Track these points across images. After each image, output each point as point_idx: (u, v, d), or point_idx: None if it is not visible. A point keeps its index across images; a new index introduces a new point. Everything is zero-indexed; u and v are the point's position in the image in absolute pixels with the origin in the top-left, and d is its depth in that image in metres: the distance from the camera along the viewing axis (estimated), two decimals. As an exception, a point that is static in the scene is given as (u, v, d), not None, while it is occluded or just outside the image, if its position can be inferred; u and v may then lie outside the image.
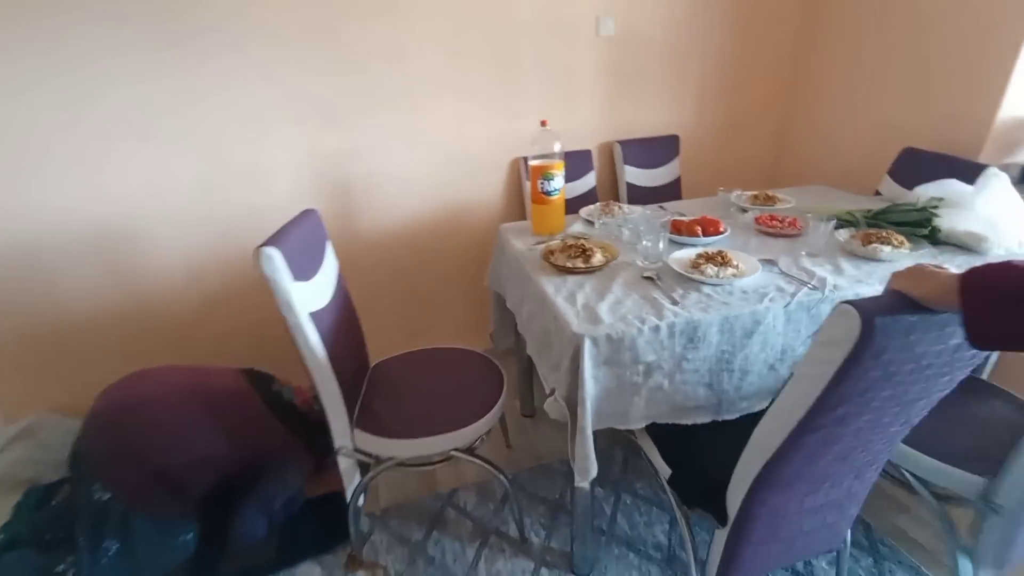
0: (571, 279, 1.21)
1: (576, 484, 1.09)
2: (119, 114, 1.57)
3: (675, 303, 1.06)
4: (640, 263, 1.25)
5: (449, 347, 1.53)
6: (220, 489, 1.38)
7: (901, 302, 0.66)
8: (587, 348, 0.97)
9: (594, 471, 1.04)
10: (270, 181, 1.79)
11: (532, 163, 1.46)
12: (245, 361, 1.65)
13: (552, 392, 1.09)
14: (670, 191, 2.23)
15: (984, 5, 1.56)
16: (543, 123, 1.45)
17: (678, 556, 1.31)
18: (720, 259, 1.16)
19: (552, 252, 1.31)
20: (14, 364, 1.79)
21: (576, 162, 2.06)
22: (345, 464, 1.23)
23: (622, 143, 2.12)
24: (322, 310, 1.13)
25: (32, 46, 1.44)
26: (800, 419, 0.76)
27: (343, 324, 1.26)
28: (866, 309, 0.64)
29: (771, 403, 0.81)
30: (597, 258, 1.24)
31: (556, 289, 1.16)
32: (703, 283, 1.13)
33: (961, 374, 0.76)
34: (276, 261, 0.96)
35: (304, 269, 1.07)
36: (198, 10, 1.53)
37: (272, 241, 0.99)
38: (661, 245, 1.23)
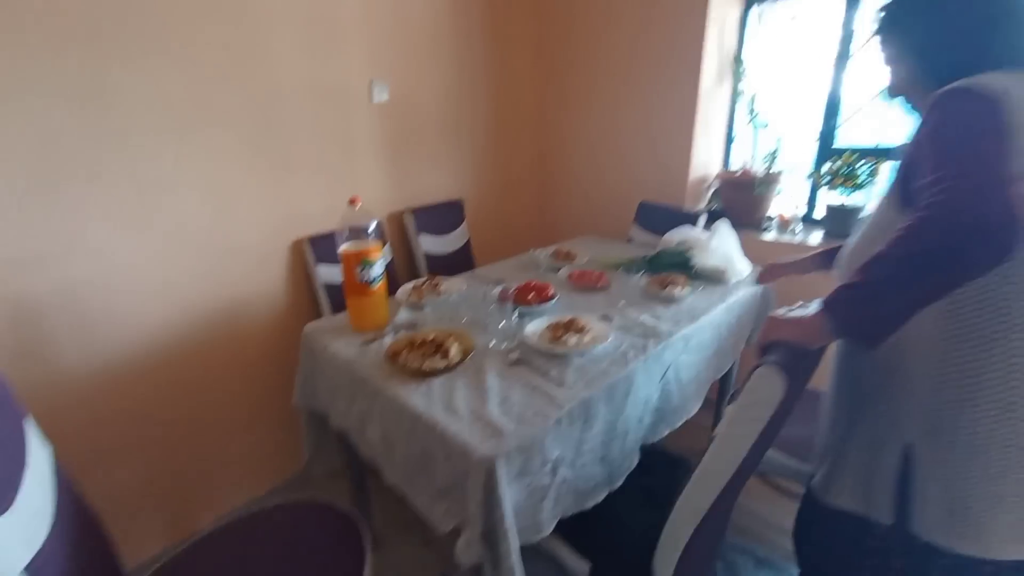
0: (436, 383, 1.02)
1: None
2: None
3: (561, 384, 1.00)
4: (496, 346, 1.16)
5: (262, 509, 1.10)
6: None
7: (795, 352, 0.74)
8: (502, 470, 0.81)
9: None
10: None
11: (344, 249, 1.22)
12: None
13: (454, 530, 0.88)
14: (463, 255, 2.23)
15: (676, 95, 2.07)
16: (353, 201, 1.23)
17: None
18: (574, 327, 1.17)
19: (396, 354, 1.10)
20: None
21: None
22: None
23: (414, 211, 2.03)
24: (42, 554, 0.64)
25: None
26: (729, 478, 0.77)
27: (83, 554, 0.76)
28: (786, 367, 0.69)
29: (695, 470, 0.81)
30: (455, 351, 1.09)
31: (427, 400, 0.96)
32: (571, 356, 1.11)
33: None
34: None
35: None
36: None
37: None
38: (514, 322, 1.16)
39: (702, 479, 0.80)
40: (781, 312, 0.79)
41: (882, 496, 0.77)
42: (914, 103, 0.82)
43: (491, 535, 0.83)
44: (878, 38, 0.81)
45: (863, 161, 1.81)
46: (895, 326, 0.64)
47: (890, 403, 0.77)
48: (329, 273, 1.72)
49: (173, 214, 1.41)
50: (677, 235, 1.80)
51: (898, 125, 1.84)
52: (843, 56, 1.85)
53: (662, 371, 1.19)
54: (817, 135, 1.99)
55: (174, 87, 1.35)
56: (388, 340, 1.20)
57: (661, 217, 2.05)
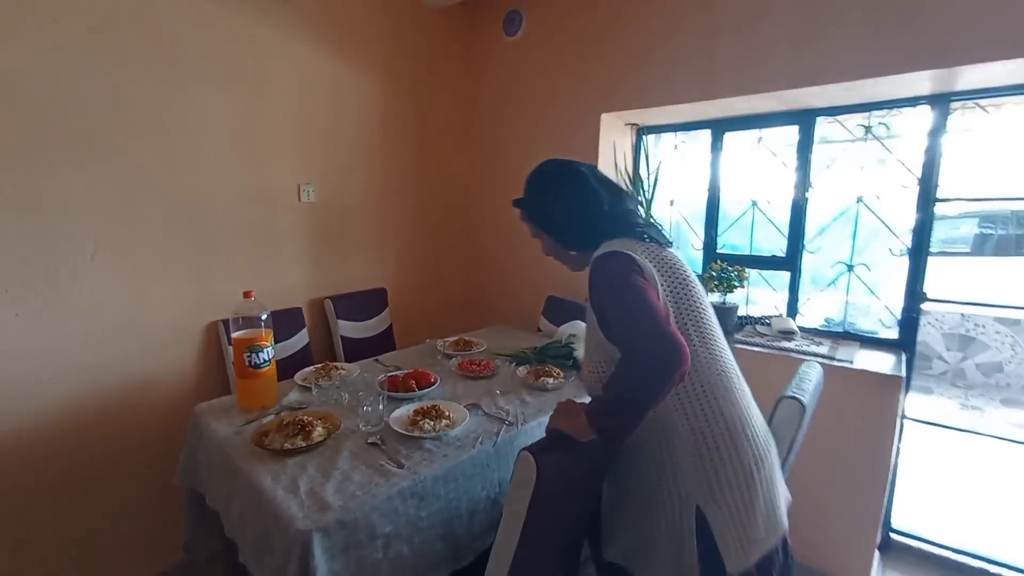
0: (291, 462, 1.12)
1: None
2: None
3: (401, 466, 1.11)
4: (363, 427, 1.28)
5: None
6: None
7: (561, 440, 0.90)
8: (317, 543, 0.90)
9: None
10: None
11: (236, 335, 1.36)
12: None
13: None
14: (383, 340, 2.37)
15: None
16: (247, 294, 1.39)
17: None
18: (435, 412, 1.30)
19: (265, 433, 1.20)
20: None
21: (286, 320, 1.99)
22: None
23: (333, 299, 2.19)
24: None
25: None
26: (515, 549, 0.89)
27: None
28: (538, 454, 0.84)
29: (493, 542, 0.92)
30: (318, 432, 1.20)
31: (275, 479, 1.06)
32: (423, 439, 1.23)
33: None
34: None
35: None
36: None
37: None
38: (381, 407, 1.29)
39: (496, 552, 0.91)
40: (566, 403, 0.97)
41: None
42: (565, 260, 1.12)
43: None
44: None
45: (733, 268, 2.09)
46: (631, 431, 0.85)
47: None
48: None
49: (90, 298, 1.54)
50: (569, 328, 2.01)
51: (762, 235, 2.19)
52: (715, 178, 2.22)
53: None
54: (702, 243, 2.30)
55: (106, 192, 1.54)
56: (267, 421, 1.31)
57: (564, 310, 2.27)
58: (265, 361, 1.39)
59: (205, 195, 1.77)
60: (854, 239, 1.99)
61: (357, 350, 2.21)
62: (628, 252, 0.92)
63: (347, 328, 2.22)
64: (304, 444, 1.16)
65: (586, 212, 1.03)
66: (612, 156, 2.35)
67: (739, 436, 0.91)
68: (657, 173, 2.31)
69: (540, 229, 1.11)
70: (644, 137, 2.46)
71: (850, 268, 2.00)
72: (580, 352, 1.83)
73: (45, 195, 1.44)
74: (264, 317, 1.40)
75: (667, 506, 0.93)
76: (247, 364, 1.37)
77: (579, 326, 1.98)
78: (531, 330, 2.40)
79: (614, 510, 1.06)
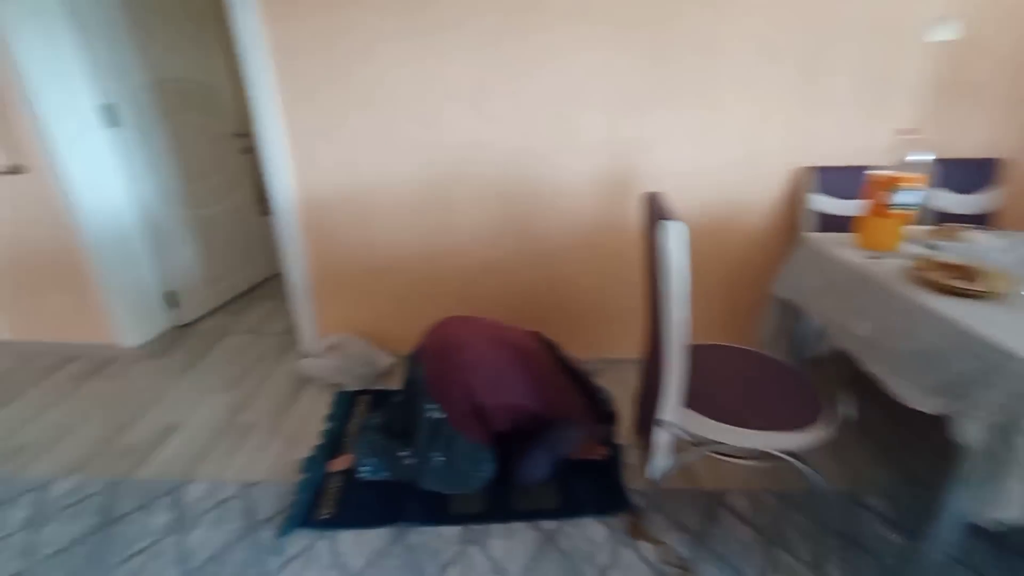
0: (963, 304, 1.10)
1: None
2: (456, 86, 1.83)
3: None
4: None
5: (750, 349, 1.50)
6: (514, 431, 1.53)
7: None
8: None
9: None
10: (566, 161, 1.93)
11: (879, 173, 1.37)
12: (513, 321, 1.79)
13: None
14: (983, 220, 1.93)
15: None
16: (906, 132, 1.34)
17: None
18: None
19: (920, 269, 1.21)
20: (333, 293, 2.19)
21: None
22: (657, 439, 1.28)
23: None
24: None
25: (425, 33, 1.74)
26: None
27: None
28: None
29: None
30: (984, 284, 1.12)
31: (967, 313, 1.06)
32: None
33: None
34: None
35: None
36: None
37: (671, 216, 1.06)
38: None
39: None
40: None
41: None
42: None
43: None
44: None
45: None
46: None
47: None
48: (824, 203, 1.89)
49: (724, 128, 1.88)
50: None
51: None
52: None
53: None
54: None
55: (761, 24, 1.74)
56: (892, 261, 1.32)
57: None
58: (903, 203, 1.36)
59: (830, 29, 1.74)
60: None
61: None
62: None
63: (946, 200, 1.91)
64: (975, 290, 1.10)
65: None
66: None
67: None
68: None
69: None
70: None
71: None
72: None
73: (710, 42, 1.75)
74: (917, 160, 1.33)
75: None
76: (883, 202, 1.38)
77: None
78: None
79: None
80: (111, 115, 2.14)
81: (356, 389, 2.03)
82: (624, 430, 1.71)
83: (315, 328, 2.24)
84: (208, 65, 2.65)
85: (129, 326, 2.29)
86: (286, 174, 1.96)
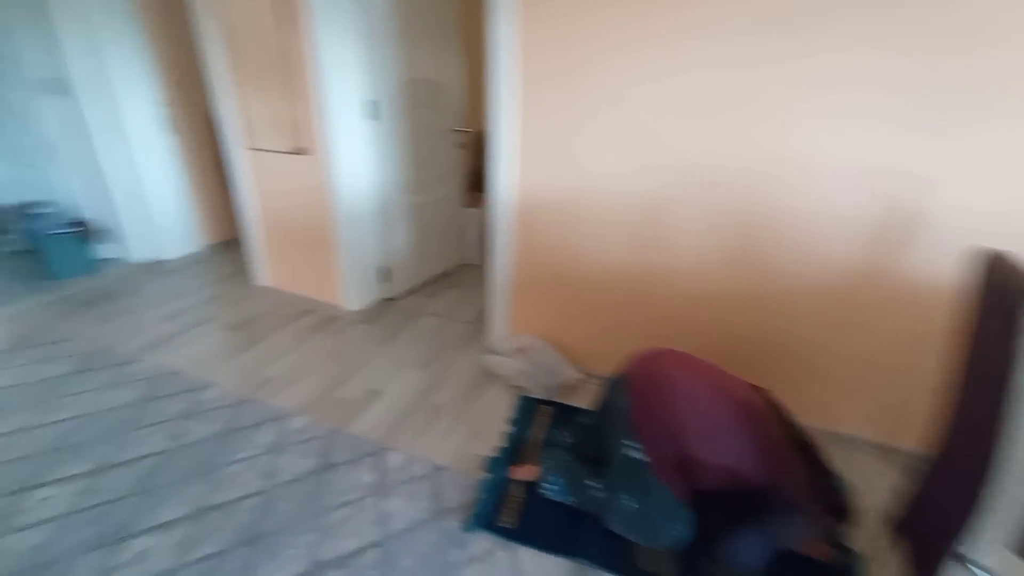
0: None
1: None
2: (694, 101, 1.65)
3: None
4: None
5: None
6: (723, 497, 1.33)
7: None
8: None
9: None
10: (818, 192, 1.62)
11: None
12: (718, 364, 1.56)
13: None
14: None
15: None
16: None
17: None
18: None
19: None
20: (528, 293, 2.19)
21: None
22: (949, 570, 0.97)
23: None
24: None
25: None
26: None
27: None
28: None
29: None
30: None
31: None
32: None
33: None
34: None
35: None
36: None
37: None
38: None
39: None
40: None
41: None
42: None
43: None
44: None
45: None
46: None
47: None
48: None
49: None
50: None
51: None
52: None
53: None
54: None
55: None
56: None
57: None
58: None
59: None
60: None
61: None
62: None
63: None
64: None
65: None
66: None
67: None
68: None
69: None
70: None
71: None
72: None
73: None
74: None
75: None
76: None
77: None
78: None
79: None
80: (375, 109, 2.46)
81: (539, 397, 2.01)
82: (861, 533, 1.39)
83: (506, 325, 2.29)
84: (445, 66, 2.90)
85: (352, 293, 2.62)
86: (510, 171, 2.01)
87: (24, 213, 2.96)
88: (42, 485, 1.54)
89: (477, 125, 3.32)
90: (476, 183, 3.52)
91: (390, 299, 2.87)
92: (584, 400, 1.99)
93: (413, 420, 1.89)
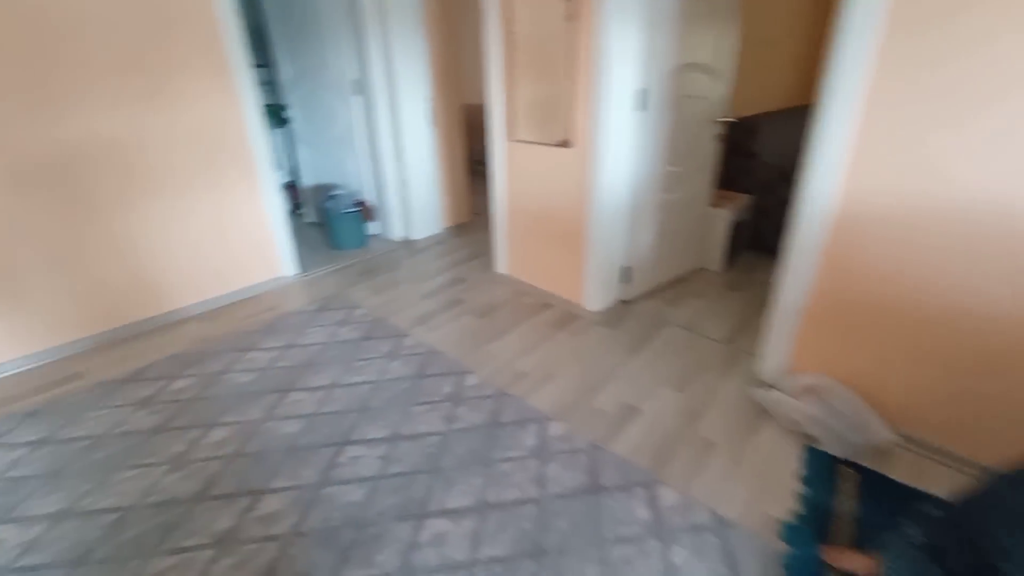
0: None
1: None
2: None
3: None
4: None
5: None
6: None
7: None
8: None
9: None
10: None
11: None
12: None
13: None
14: None
15: None
16: None
17: None
18: None
19: None
20: (825, 323, 1.78)
21: None
22: None
23: None
24: None
25: None
26: None
27: None
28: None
29: None
30: None
31: None
32: None
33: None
34: None
35: None
36: None
37: None
38: None
39: None
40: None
41: None
42: None
43: None
44: None
45: None
46: None
47: None
48: None
49: None
50: None
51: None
52: None
53: None
54: None
55: None
56: None
57: None
58: None
59: None
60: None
61: None
62: None
63: None
64: None
65: None
66: None
67: None
68: None
69: None
70: None
71: None
72: None
73: None
74: None
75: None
76: None
77: None
78: None
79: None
80: (643, 99, 2.26)
81: (836, 456, 1.63)
82: None
83: (785, 357, 1.92)
84: (720, 48, 2.54)
85: (593, 292, 2.52)
86: (834, 173, 1.62)
87: (323, 194, 3.56)
88: (353, 443, 1.76)
89: (737, 113, 2.90)
90: (727, 180, 3.11)
91: (626, 301, 2.71)
92: (910, 475, 1.55)
93: (682, 452, 1.69)
